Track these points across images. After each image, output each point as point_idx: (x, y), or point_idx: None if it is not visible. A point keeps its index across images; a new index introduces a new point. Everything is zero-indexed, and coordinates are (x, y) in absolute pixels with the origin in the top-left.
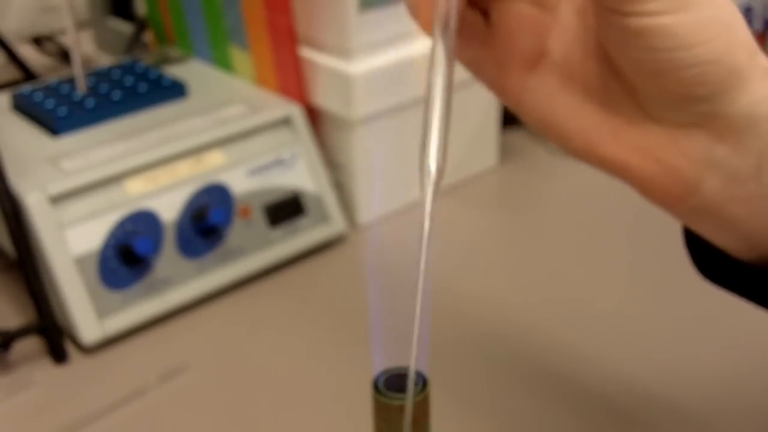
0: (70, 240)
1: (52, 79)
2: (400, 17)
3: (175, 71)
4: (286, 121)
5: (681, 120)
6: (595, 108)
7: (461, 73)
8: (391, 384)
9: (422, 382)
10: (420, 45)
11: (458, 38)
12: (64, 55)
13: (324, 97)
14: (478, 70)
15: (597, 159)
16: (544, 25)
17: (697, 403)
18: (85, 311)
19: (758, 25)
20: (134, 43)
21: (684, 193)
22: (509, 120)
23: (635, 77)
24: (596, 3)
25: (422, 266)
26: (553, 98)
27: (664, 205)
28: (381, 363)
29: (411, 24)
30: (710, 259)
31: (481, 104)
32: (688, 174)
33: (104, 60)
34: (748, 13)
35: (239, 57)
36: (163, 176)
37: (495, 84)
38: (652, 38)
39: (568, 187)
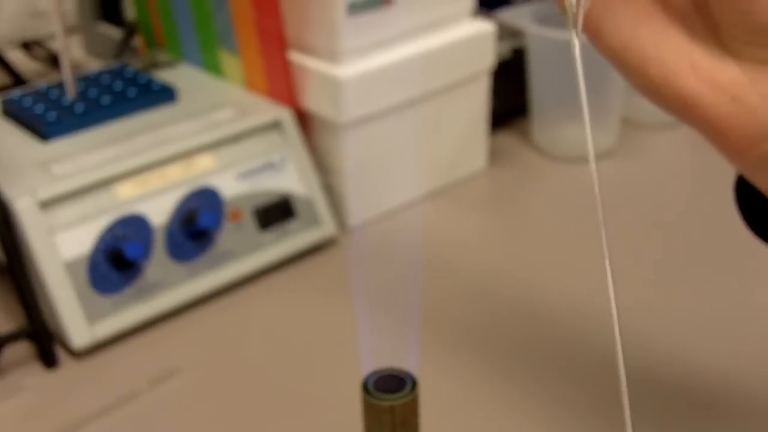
0: (60, 245)
1: (41, 84)
2: (388, 21)
3: (165, 76)
4: (275, 125)
5: (762, 57)
6: (677, 37)
7: (453, 75)
8: (381, 385)
9: (411, 382)
10: (408, 49)
11: None
12: (54, 60)
13: (313, 101)
14: None
15: (672, 92)
16: None
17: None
18: (75, 316)
19: None
20: (123, 47)
21: (757, 136)
22: (498, 122)
23: (717, 3)
24: None
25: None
26: (637, 24)
27: (732, 150)
28: (370, 364)
29: (399, 28)
30: (764, 215)
31: (470, 107)
32: (765, 117)
33: (93, 65)
34: None
35: (229, 61)
36: (153, 180)
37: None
38: None
39: (557, 189)
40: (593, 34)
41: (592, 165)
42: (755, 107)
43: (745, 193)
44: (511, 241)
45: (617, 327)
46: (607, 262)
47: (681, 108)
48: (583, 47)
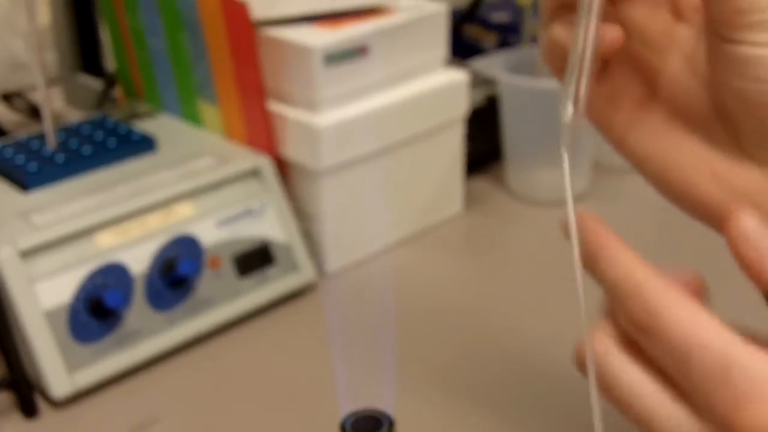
0: (41, 294)
1: (22, 135)
2: (364, 71)
3: (145, 126)
4: (254, 173)
5: None
6: (697, 145)
7: (428, 122)
8: (359, 426)
9: (388, 422)
10: (384, 98)
11: None
12: (34, 111)
13: (292, 149)
14: (588, 105)
15: (694, 200)
16: (655, 67)
17: None
18: (55, 365)
19: None
20: (104, 98)
21: None
22: (473, 168)
23: (739, 110)
24: (707, 30)
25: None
26: (657, 134)
27: None
28: (347, 406)
29: (375, 77)
30: None
31: (446, 153)
32: None
33: (74, 115)
34: None
35: (208, 111)
36: (133, 229)
37: (602, 119)
38: (757, 68)
39: (532, 232)
40: (617, 142)
41: (571, 212)
42: None
43: None
44: (488, 285)
45: (592, 367)
46: (582, 303)
47: (703, 214)
48: (552, 94)
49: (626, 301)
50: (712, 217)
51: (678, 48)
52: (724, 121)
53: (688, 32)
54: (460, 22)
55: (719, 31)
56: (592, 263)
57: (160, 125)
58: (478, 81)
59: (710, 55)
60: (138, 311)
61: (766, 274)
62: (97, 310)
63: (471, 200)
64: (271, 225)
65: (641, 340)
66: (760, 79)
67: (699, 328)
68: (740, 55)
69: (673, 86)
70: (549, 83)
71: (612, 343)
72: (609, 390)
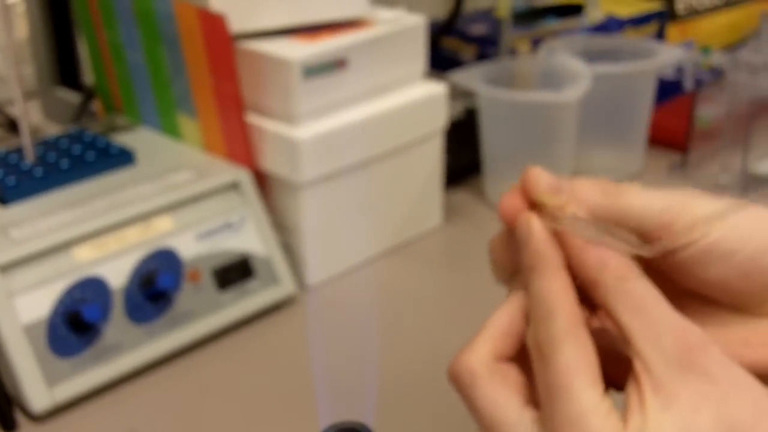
0: (19, 308)
1: (0, 149)
2: (343, 84)
3: (123, 139)
4: (234, 186)
5: None
6: (713, 334)
7: (407, 135)
8: None
9: None
10: (363, 110)
11: None
12: (12, 125)
13: (271, 162)
14: None
15: (747, 368)
16: None
17: None
18: (34, 379)
19: (690, 84)
20: (82, 112)
21: None
22: (452, 180)
23: (737, 291)
24: (663, 260)
25: None
26: None
27: None
28: (327, 419)
29: (354, 90)
30: None
31: (426, 165)
32: None
33: (52, 129)
34: (679, 73)
35: (187, 124)
36: (112, 243)
37: None
38: (719, 251)
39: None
40: None
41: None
42: None
43: None
44: (468, 296)
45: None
46: None
47: (759, 377)
48: (530, 106)
49: (538, 318)
50: (763, 377)
51: None
52: (724, 307)
53: None
54: (438, 34)
55: (669, 246)
56: (527, 270)
57: (138, 138)
58: (457, 93)
59: (684, 269)
60: (117, 325)
61: (585, 262)
62: (76, 324)
63: (450, 212)
64: (250, 238)
65: (533, 358)
66: (728, 256)
67: (577, 376)
68: (699, 252)
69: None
70: (527, 96)
71: (479, 368)
72: (475, 412)
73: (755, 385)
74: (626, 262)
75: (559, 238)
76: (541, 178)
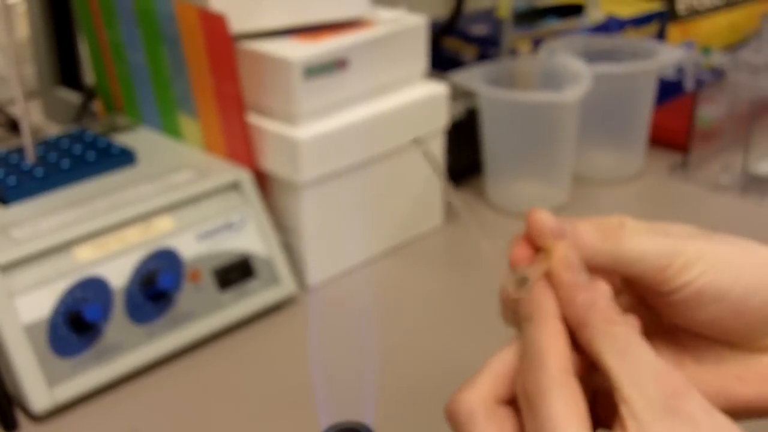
0: (20, 308)
1: (0, 149)
2: (344, 84)
3: (124, 139)
4: (234, 186)
5: None
6: (707, 370)
7: (408, 135)
8: None
9: None
10: (363, 110)
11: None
12: (13, 126)
13: (272, 162)
14: None
15: (737, 408)
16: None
17: None
18: (35, 379)
19: (690, 85)
20: (83, 112)
21: None
22: (453, 180)
23: (730, 329)
24: (658, 302)
25: None
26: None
27: None
28: (327, 419)
29: (354, 90)
30: None
31: (426, 165)
32: None
33: (53, 129)
34: (680, 73)
35: (188, 124)
36: (112, 243)
37: None
38: (710, 293)
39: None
40: None
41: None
42: None
43: None
44: (467, 296)
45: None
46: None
47: (753, 413)
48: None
49: (529, 367)
50: (761, 411)
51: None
52: (719, 344)
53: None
54: (439, 34)
55: (660, 290)
56: (523, 319)
57: (139, 139)
58: (458, 93)
59: (677, 313)
60: (118, 325)
61: (573, 303)
62: (77, 324)
63: (451, 213)
64: (251, 238)
65: (522, 406)
66: (720, 298)
67: (565, 426)
68: (689, 295)
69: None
70: (528, 96)
71: (478, 407)
72: None
73: (736, 431)
74: (614, 306)
75: (551, 278)
76: (545, 224)
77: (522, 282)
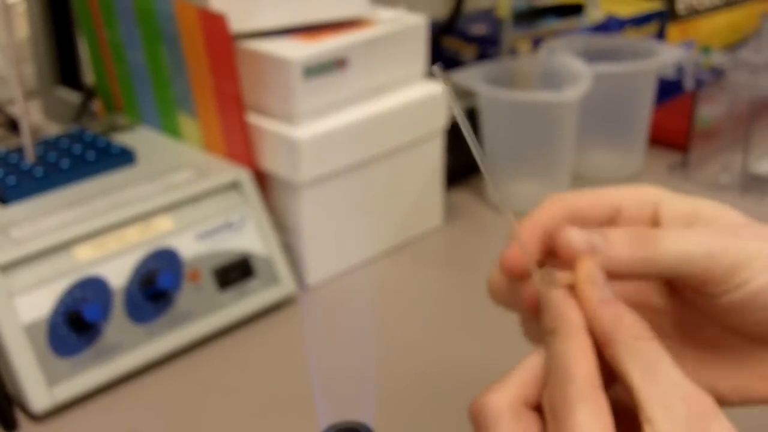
0: (20, 308)
1: (0, 148)
2: (343, 84)
3: (124, 139)
4: (234, 185)
5: None
6: (729, 366)
7: (408, 135)
8: None
9: None
10: (363, 110)
11: None
12: (13, 125)
13: (271, 161)
14: None
15: (757, 401)
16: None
17: None
18: (34, 379)
19: (690, 84)
20: (82, 111)
21: None
22: (453, 180)
23: (764, 330)
24: (703, 308)
25: None
26: (698, 371)
27: None
28: (326, 419)
29: (354, 90)
30: None
31: (425, 165)
32: None
33: (52, 129)
34: (679, 72)
35: (187, 124)
36: (112, 242)
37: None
38: (761, 300)
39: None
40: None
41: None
42: None
43: None
44: (468, 296)
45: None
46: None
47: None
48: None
49: (555, 380)
50: None
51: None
52: (752, 343)
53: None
54: (439, 34)
55: (705, 293)
56: (548, 333)
57: (139, 138)
58: (458, 93)
59: (722, 315)
60: (117, 325)
61: (600, 319)
62: (77, 323)
63: (450, 212)
64: (250, 238)
65: (548, 419)
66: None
67: None
68: (737, 300)
69: (696, 341)
70: (528, 96)
71: (506, 409)
72: None
73: None
74: (641, 322)
75: (576, 294)
76: (576, 245)
77: (548, 280)
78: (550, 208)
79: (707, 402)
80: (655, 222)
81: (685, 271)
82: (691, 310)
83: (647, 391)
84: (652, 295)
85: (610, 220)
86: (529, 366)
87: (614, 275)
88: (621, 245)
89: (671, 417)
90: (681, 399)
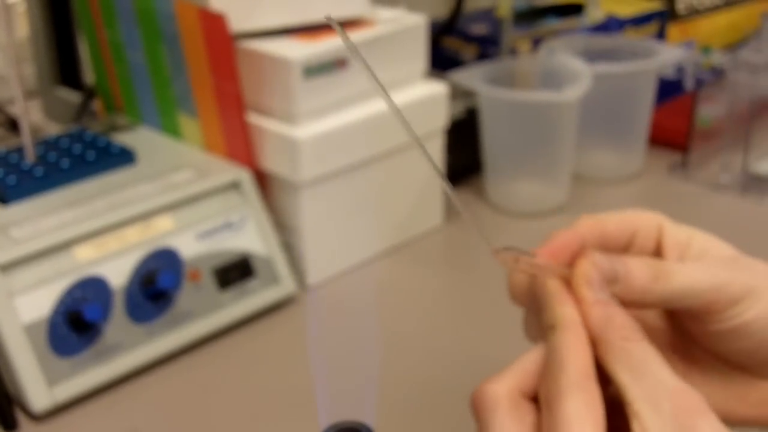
0: (20, 308)
1: (0, 148)
2: (343, 83)
3: (124, 139)
4: (234, 185)
5: None
6: (713, 387)
7: (404, 136)
8: None
9: None
10: (363, 110)
11: None
12: (13, 125)
13: (271, 161)
14: None
15: (737, 421)
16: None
17: None
18: (34, 379)
19: (690, 84)
20: (82, 111)
21: None
22: (453, 180)
23: (757, 359)
24: (700, 333)
25: None
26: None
27: None
28: (327, 419)
29: (354, 89)
30: None
31: (426, 165)
32: None
33: (53, 129)
34: (679, 72)
35: (187, 124)
36: (112, 242)
37: None
38: (749, 330)
39: (511, 243)
40: None
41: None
42: None
43: None
44: (467, 296)
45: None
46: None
47: (746, 426)
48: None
49: (549, 370)
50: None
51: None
52: (736, 369)
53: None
54: (439, 34)
55: (700, 320)
56: (547, 329)
57: (139, 138)
58: (458, 93)
59: (713, 340)
60: (118, 324)
61: (591, 319)
62: (77, 323)
63: (451, 212)
64: (251, 238)
65: (542, 408)
66: (757, 333)
67: (580, 429)
68: (731, 328)
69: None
70: (528, 95)
71: (503, 397)
72: None
73: None
74: (632, 323)
75: (572, 291)
76: (596, 271)
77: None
78: (580, 229)
79: (695, 398)
80: (658, 247)
81: (689, 303)
82: (682, 332)
83: (634, 388)
84: (647, 313)
85: (628, 243)
86: (529, 359)
87: (624, 303)
88: (639, 277)
89: (658, 413)
90: (668, 395)
